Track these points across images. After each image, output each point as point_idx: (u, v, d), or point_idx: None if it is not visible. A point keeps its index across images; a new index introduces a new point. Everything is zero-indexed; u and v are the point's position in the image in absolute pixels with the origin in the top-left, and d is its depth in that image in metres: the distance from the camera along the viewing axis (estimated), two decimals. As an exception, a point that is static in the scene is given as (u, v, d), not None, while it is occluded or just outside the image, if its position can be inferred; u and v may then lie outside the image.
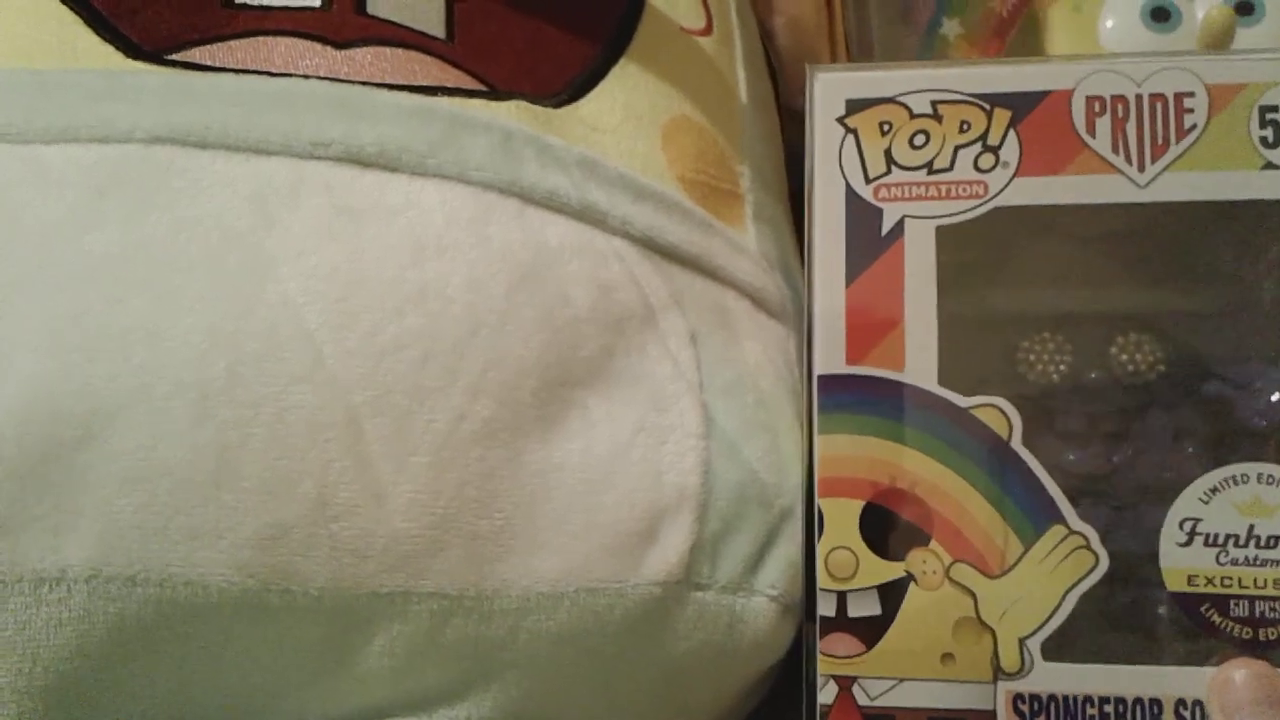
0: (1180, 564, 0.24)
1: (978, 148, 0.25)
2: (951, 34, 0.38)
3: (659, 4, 0.33)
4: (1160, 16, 0.33)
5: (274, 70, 0.26)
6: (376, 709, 0.24)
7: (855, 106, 0.26)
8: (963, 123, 0.25)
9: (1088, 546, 0.24)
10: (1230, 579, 0.24)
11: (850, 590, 0.24)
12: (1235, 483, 0.24)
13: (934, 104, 0.25)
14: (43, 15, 0.26)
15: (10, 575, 0.21)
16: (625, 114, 0.30)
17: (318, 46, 0.27)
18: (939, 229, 0.25)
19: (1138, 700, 0.23)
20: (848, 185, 0.25)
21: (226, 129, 0.24)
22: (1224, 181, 0.24)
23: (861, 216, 0.25)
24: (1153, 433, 0.25)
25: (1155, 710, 0.23)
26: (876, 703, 0.23)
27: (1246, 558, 0.24)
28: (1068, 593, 0.24)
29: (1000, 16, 0.38)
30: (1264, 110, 0.24)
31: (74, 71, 0.25)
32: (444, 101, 0.26)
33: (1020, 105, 0.25)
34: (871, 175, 0.25)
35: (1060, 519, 0.24)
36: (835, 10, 0.45)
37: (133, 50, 0.26)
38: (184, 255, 0.23)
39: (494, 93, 0.28)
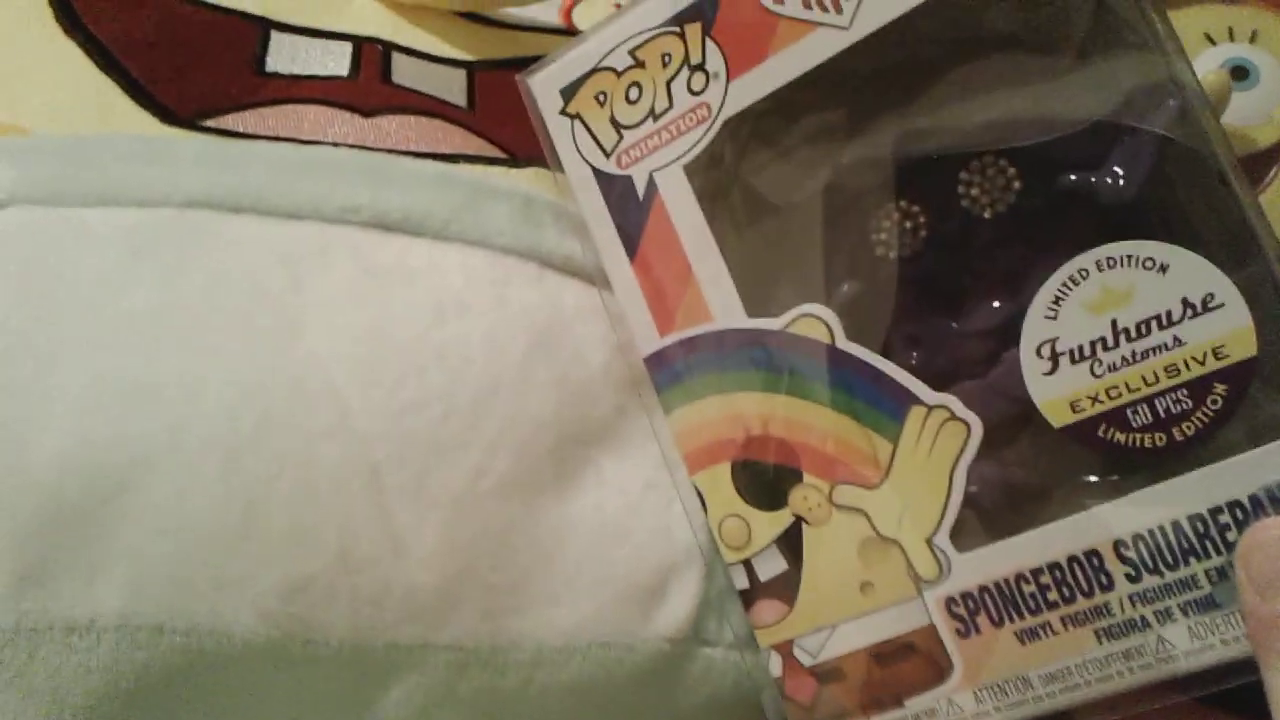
0: (1056, 394, 0.21)
1: (685, 73, 0.23)
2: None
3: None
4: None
5: (303, 138, 0.27)
6: None
7: (569, 92, 0.25)
8: (664, 56, 0.24)
9: (953, 417, 0.22)
10: (1116, 388, 0.21)
11: (753, 555, 0.23)
12: (1074, 283, 0.21)
13: (631, 53, 0.24)
14: (82, 81, 0.27)
15: (42, 623, 0.22)
16: None
17: (345, 115, 0.28)
18: (686, 168, 0.24)
19: (1072, 559, 0.21)
20: (592, 168, 0.25)
21: (260, 194, 0.25)
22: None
23: (617, 191, 0.25)
24: (977, 269, 0.22)
25: (1096, 561, 0.21)
26: (820, 659, 0.22)
27: (1122, 358, 0.21)
28: (953, 472, 0.21)
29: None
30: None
31: (112, 136, 0.26)
32: (466, 169, 0.28)
33: (705, 11, 0.23)
34: (608, 149, 0.25)
35: (916, 400, 0.22)
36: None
37: (168, 116, 0.27)
38: (217, 314, 0.24)
39: (514, 160, 0.29)
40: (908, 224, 0.22)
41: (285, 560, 0.23)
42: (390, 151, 0.27)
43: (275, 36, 0.29)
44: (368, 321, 0.24)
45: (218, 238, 0.25)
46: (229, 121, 0.27)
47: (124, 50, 0.27)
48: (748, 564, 0.23)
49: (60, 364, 0.23)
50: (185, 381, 0.23)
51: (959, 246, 0.22)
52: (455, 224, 0.26)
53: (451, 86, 0.31)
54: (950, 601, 0.21)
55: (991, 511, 0.22)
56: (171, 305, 0.24)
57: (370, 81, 0.29)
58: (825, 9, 0.22)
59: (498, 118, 0.30)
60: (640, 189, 0.24)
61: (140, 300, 0.23)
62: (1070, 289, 0.21)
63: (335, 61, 0.30)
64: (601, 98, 0.24)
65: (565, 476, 0.25)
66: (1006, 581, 0.21)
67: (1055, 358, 0.21)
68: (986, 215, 0.22)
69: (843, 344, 0.22)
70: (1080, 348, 0.21)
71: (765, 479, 0.23)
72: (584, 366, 0.26)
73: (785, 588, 0.22)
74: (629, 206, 0.24)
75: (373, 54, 0.30)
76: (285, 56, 0.29)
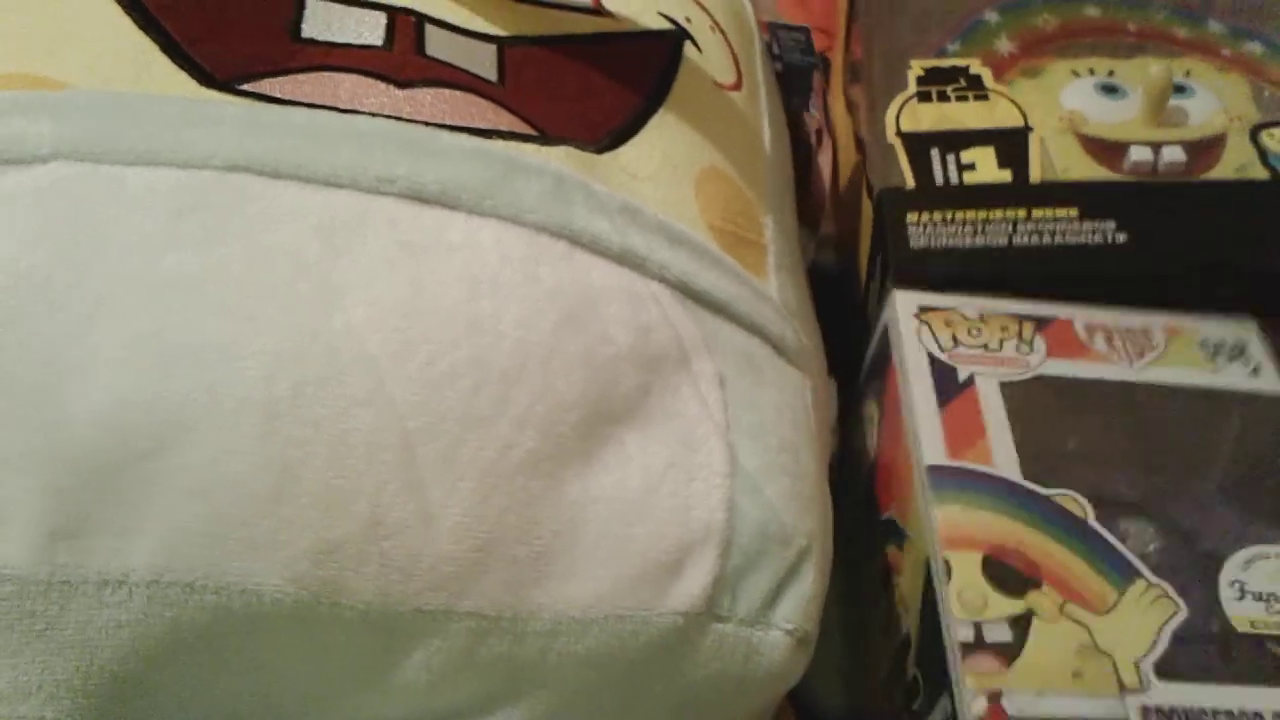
0: (1241, 613, 0.28)
1: (1016, 340, 0.34)
2: (993, 21, 0.43)
3: (695, 59, 0.35)
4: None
5: (340, 106, 0.27)
6: None
7: (924, 310, 0.35)
8: (1003, 326, 0.34)
9: (1167, 595, 0.28)
10: None
11: (983, 621, 0.28)
12: (1264, 557, 0.29)
13: (980, 314, 0.35)
14: (120, 39, 0.27)
15: (75, 577, 0.22)
16: (662, 163, 0.31)
17: (381, 85, 0.28)
18: (1000, 383, 0.32)
19: (1242, 712, 0.26)
20: (928, 352, 0.34)
21: (299, 161, 0.25)
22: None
23: (941, 370, 0.33)
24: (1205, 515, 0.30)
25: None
26: (1023, 713, 0.26)
27: None
28: (1162, 628, 0.27)
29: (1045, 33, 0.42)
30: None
31: (153, 96, 0.26)
32: (500, 144, 0.28)
33: (1040, 322, 0.34)
34: (944, 347, 0.34)
35: (1141, 575, 0.28)
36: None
37: (205, 79, 0.27)
38: (256, 281, 0.24)
39: (544, 137, 0.29)
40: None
41: (318, 524, 0.23)
42: (427, 124, 0.28)
43: (310, 3, 0.30)
44: (403, 293, 0.25)
45: (257, 203, 0.25)
46: (265, 86, 0.27)
47: (163, 10, 0.27)
48: (976, 625, 0.28)
49: (99, 323, 0.23)
50: (224, 345, 0.23)
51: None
52: (490, 199, 0.27)
53: (483, 61, 0.31)
54: (1146, 710, 0.26)
55: (1187, 661, 0.27)
56: (211, 269, 0.24)
57: (405, 53, 0.29)
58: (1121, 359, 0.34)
59: (527, 94, 0.31)
60: (961, 377, 0.33)
61: (180, 263, 0.24)
62: (1260, 560, 0.29)
63: (369, 31, 0.30)
64: (948, 321, 0.34)
65: (590, 452, 0.26)
66: (1194, 710, 0.26)
67: (1244, 593, 0.28)
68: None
69: (1092, 523, 0.29)
70: (1261, 593, 0.28)
71: (1009, 573, 0.28)
72: (610, 345, 0.27)
73: (1004, 653, 0.27)
74: (949, 381, 0.33)
75: (406, 25, 0.30)
76: (320, 23, 0.29)
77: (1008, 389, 0.32)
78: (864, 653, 0.35)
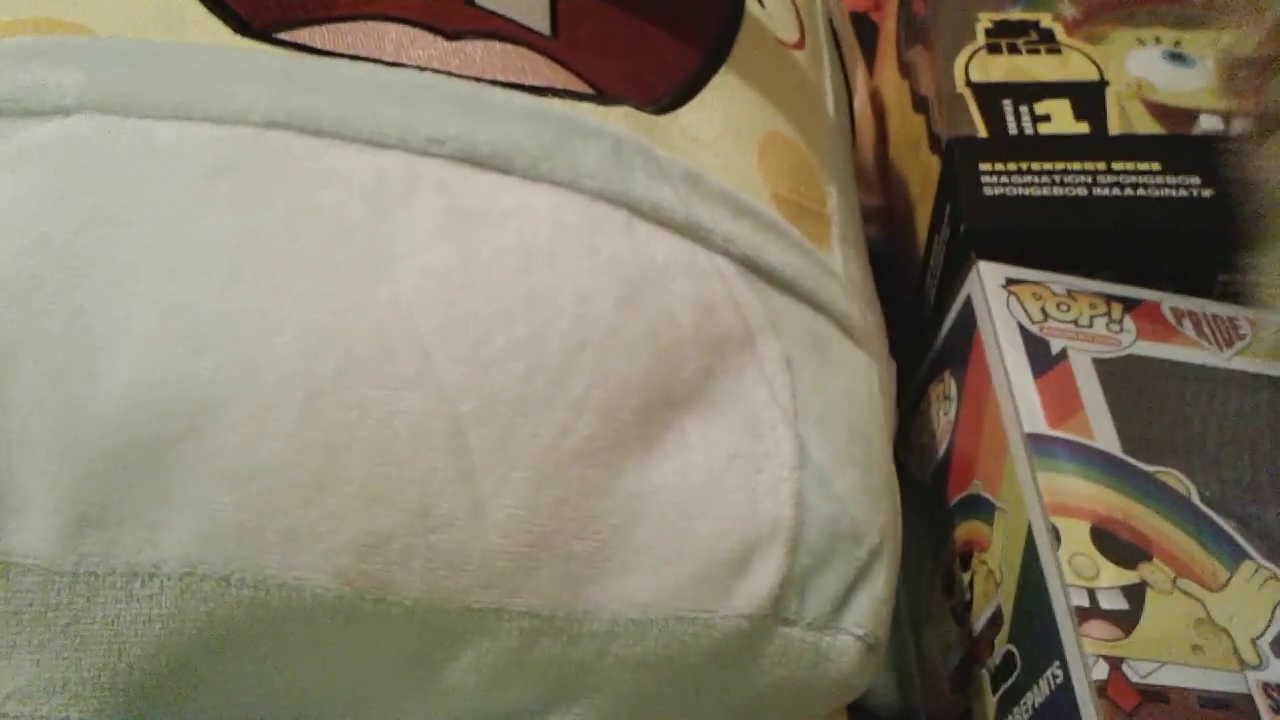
0: None
1: (1105, 318, 0.32)
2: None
3: (758, 15, 0.32)
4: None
5: (386, 59, 0.25)
6: None
7: (1011, 282, 0.33)
8: (1091, 304, 0.33)
9: (1276, 578, 0.27)
10: None
11: (1097, 589, 0.27)
12: None
13: (1068, 290, 0.33)
14: (149, -19, 0.25)
15: (103, 568, 0.21)
16: (724, 126, 0.29)
17: (428, 36, 0.26)
18: (1094, 359, 0.31)
19: None
20: (1019, 324, 0.32)
21: (343, 118, 0.23)
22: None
23: (1034, 343, 0.32)
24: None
25: None
26: (1147, 680, 0.25)
27: None
28: (1275, 608, 0.27)
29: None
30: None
31: (185, 45, 0.24)
32: (555, 103, 0.26)
33: (1128, 303, 0.33)
34: (1034, 320, 0.32)
35: (1249, 556, 0.28)
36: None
37: (241, 26, 0.25)
38: (296, 247, 0.22)
39: (601, 96, 0.27)
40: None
41: (363, 515, 0.21)
42: (478, 80, 0.25)
43: None
44: (454, 265, 0.23)
45: (298, 163, 0.23)
46: (306, 36, 0.25)
47: (196, -49, 0.25)
48: (1090, 591, 0.26)
49: (129, 292, 0.21)
50: (262, 318, 0.21)
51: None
52: (545, 162, 0.25)
53: (535, 12, 0.29)
54: (1267, 686, 0.25)
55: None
56: (249, 234, 0.22)
57: (453, 2, 0.27)
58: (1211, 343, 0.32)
59: (582, 48, 0.28)
60: (1054, 350, 0.31)
61: (215, 227, 0.22)
62: None
63: None
64: (1037, 295, 0.33)
65: (649, 440, 0.24)
66: None
67: None
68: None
69: (1196, 501, 0.28)
70: None
71: (1119, 544, 0.27)
72: (673, 325, 0.25)
73: (1122, 620, 0.26)
74: (1042, 355, 0.31)
75: (454, -29, 0.28)
76: None
77: (1101, 365, 0.31)
78: (926, 643, 0.34)
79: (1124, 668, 0.25)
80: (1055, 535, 0.27)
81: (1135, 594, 0.27)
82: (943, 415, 0.35)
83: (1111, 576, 0.27)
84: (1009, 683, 0.29)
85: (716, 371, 0.25)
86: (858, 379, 0.28)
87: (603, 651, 0.23)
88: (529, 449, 0.23)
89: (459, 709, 0.23)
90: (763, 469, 0.25)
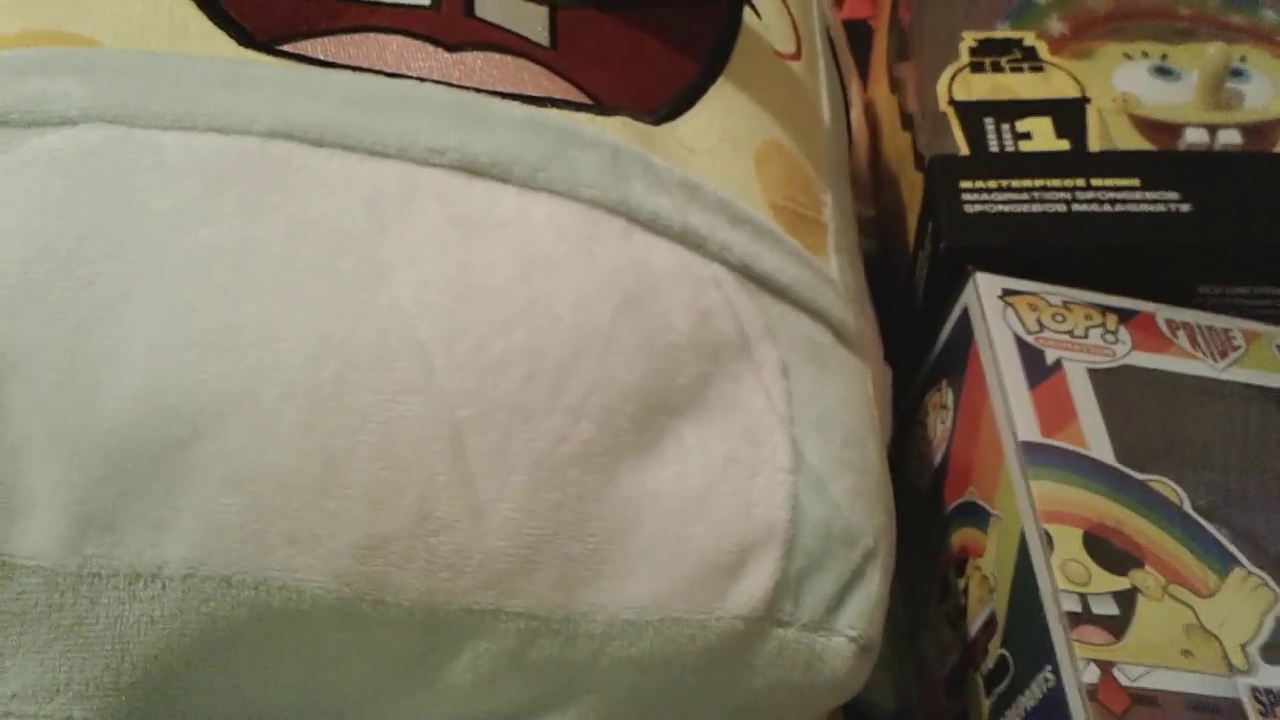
0: None
1: (1100, 329, 0.33)
2: (1043, 1, 0.42)
3: (755, 26, 0.33)
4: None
5: (386, 70, 0.26)
6: None
7: (1008, 293, 0.34)
8: (1087, 315, 0.33)
9: (1266, 585, 0.28)
10: None
11: (1089, 594, 0.27)
12: None
13: (1064, 302, 0.33)
14: (155, -6, 0.25)
15: (107, 569, 0.21)
16: (722, 136, 0.29)
17: (429, 48, 0.27)
18: (1088, 370, 0.32)
19: None
20: (1015, 334, 0.32)
21: (344, 129, 0.24)
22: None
23: (1029, 353, 0.32)
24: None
25: None
26: (1137, 684, 0.26)
27: None
28: (1265, 615, 0.27)
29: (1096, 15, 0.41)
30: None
31: (190, 57, 0.24)
32: (554, 114, 0.26)
33: (1123, 314, 0.33)
34: (1030, 330, 0.32)
35: (1240, 564, 0.28)
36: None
37: (245, 38, 0.25)
38: (299, 256, 0.22)
39: (600, 107, 0.28)
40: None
41: (363, 518, 0.22)
42: (477, 91, 0.26)
43: None
44: (453, 272, 0.23)
45: (300, 173, 0.23)
46: (308, 47, 0.26)
47: (200, -36, 0.26)
48: (1082, 597, 0.27)
49: (133, 299, 0.21)
50: (265, 325, 0.22)
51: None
52: (544, 172, 0.25)
53: (534, 24, 0.29)
54: (1256, 691, 0.26)
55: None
56: (251, 243, 0.22)
57: (453, 14, 0.28)
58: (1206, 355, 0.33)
59: (582, 59, 0.29)
60: (1049, 360, 0.32)
61: (218, 235, 0.22)
62: None
63: None
64: (1033, 306, 0.33)
65: (646, 445, 0.24)
66: None
67: None
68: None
69: (1188, 509, 0.29)
70: None
71: (1111, 551, 0.28)
72: (670, 332, 0.25)
73: (1113, 626, 0.27)
74: (1037, 365, 0.32)
75: (455, -16, 0.28)
76: None
77: (1096, 375, 0.31)
78: (921, 648, 0.34)
79: (1115, 672, 0.26)
80: (1048, 541, 0.28)
81: (1126, 600, 0.27)
82: (939, 424, 0.35)
83: (1103, 582, 0.27)
84: (1002, 686, 0.29)
85: (713, 378, 0.26)
86: (853, 385, 0.29)
87: (599, 652, 0.24)
88: (527, 453, 0.23)
89: (457, 709, 0.24)
90: (758, 473, 0.25)
